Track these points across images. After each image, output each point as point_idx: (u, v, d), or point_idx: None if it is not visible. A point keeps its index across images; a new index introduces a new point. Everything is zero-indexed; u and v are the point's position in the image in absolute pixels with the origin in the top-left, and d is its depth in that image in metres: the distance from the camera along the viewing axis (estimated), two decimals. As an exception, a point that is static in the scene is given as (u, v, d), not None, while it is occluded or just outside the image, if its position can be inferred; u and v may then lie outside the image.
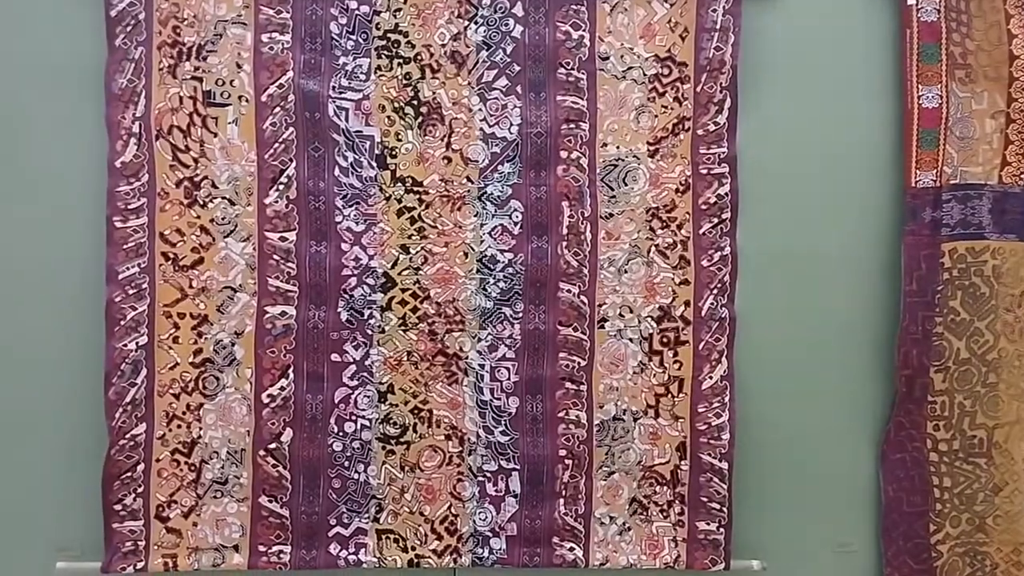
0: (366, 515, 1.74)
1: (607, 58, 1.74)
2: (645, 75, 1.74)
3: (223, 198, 1.71)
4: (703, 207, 1.75)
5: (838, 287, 1.78)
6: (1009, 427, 1.71)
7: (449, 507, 1.75)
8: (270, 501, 1.72)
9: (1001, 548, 1.72)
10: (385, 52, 1.72)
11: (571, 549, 1.75)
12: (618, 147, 1.75)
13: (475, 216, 1.74)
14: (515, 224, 1.75)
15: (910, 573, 1.73)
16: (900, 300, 1.73)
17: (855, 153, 1.78)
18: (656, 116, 1.74)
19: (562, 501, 1.75)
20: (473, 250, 1.74)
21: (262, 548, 1.72)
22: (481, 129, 1.74)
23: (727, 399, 1.74)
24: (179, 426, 1.71)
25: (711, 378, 1.75)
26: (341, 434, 1.73)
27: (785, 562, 1.77)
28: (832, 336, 1.78)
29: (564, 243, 1.74)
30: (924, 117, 1.71)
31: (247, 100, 1.70)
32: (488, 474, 1.75)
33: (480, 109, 1.74)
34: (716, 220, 1.75)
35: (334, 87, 1.71)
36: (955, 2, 1.70)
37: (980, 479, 1.72)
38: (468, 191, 1.74)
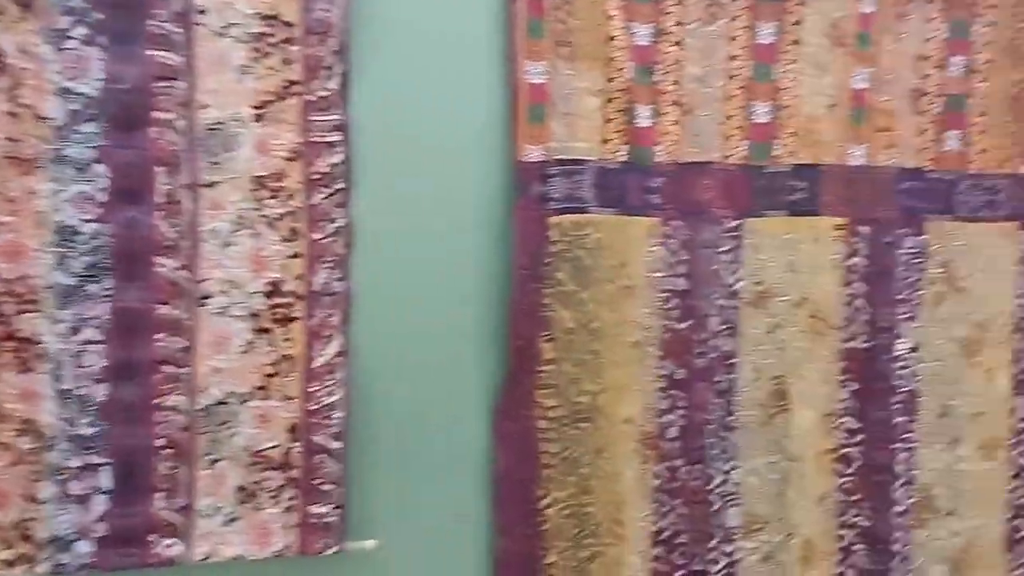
0: (-86, 528, 1.50)
1: (205, 12, 1.60)
2: (248, 33, 1.62)
3: None
4: (315, 177, 1.67)
5: (456, 261, 1.77)
6: (610, 392, 1.80)
7: (23, 511, 1.55)
8: None
9: (603, 507, 1.80)
10: (-69, -13, 1.47)
11: (171, 545, 1.61)
12: (220, 110, 1.61)
13: (51, 181, 1.54)
14: (100, 191, 1.56)
15: (521, 538, 1.77)
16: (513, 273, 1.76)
17: (472, 126, 1.76)
18: (262, 78, 1.63)
19: (161, 495, 1.60)
20: (49, 220, 1.54)
21: None
22: (56, 83, 1.53)
23: (342, 376, 1.68)
24: None
25: (324, 355, 1.67)
26: None
27: (403, 537, 1.74)
28: (450, 310, 1.77)
29: (160, 213, 1.59)
30: (531, 92, 1.73)
31: None
32: (71, 471, 1.56)
33: (54, 60, 1.53)
34: (330, 190, 1.67)
35: None
36: (558, -22, 1.73)
37: (585, 443, 1.79)
38: (42, 153, 1.53)
